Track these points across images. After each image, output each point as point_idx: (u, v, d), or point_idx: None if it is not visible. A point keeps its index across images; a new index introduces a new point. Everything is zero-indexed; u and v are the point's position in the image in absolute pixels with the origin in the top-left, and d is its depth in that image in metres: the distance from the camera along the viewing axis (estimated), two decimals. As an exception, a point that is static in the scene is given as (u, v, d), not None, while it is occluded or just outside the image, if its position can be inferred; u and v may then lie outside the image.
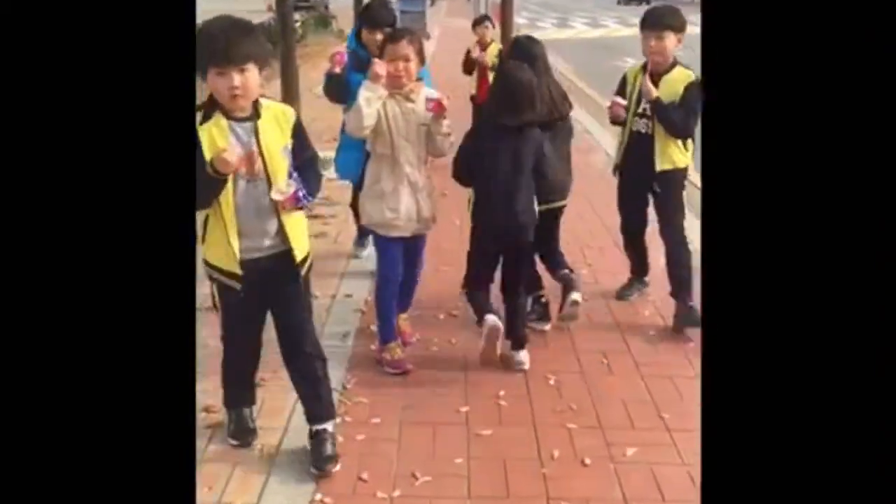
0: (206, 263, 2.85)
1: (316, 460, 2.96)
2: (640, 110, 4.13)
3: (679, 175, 4.14)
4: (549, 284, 4.23)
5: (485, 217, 3.66)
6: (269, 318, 3.05)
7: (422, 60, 3.54)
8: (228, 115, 2.68)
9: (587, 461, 3.03)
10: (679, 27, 4.01)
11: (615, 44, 18.88)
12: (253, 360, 3.15)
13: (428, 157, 3.66)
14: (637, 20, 4.44)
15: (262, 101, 2.74)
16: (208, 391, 3.43)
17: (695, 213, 4.57)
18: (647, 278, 4.61)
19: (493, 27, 7.91)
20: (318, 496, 2.82)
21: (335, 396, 3.21)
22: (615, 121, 4.27)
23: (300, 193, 2.73)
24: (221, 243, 2.76)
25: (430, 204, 3.66)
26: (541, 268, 4.20)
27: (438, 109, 3.43)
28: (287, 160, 2.78)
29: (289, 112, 2.83)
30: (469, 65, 7.42)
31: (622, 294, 4.56)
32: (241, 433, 3.13)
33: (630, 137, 4.21)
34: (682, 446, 3.11)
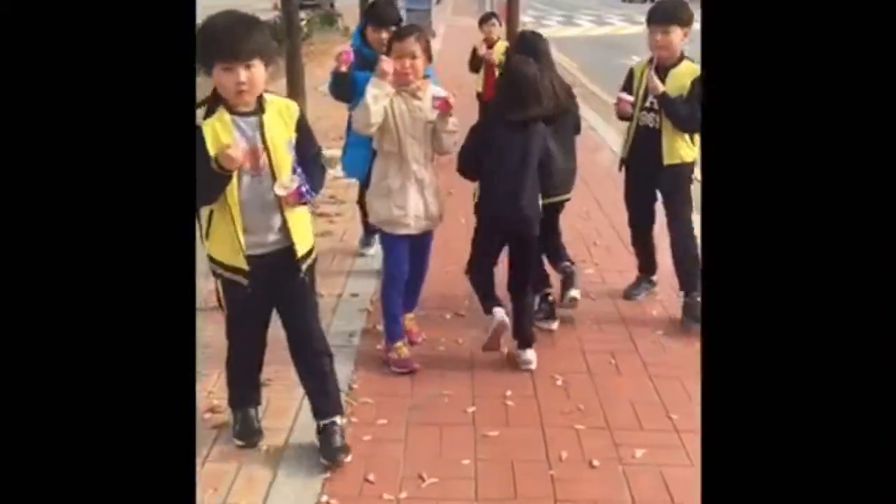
0: (211, 260, 2.84)
1: (326, 453, 2.95)
2: (647, 105, 4.13)
3: (686, 169, 4.13)
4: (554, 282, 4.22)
5: (490, 211, 3.65)
6: (274, 317, 3.04)
7: (429, 58, 3.54)
8: (232, 110, 2.67)
9: (595, 463, 3.01)
10: (685, 21, 4.01)
11: (621, 41, 18.82)
12: (258, 358, 3.13)
13: (434, 154, 3.65)
14: (643, 18, 4.42)
15: (266, 95, 2.73)
16: (213, 392, 3.42)
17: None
18: (654, 277, 4.58)
19: (500, 25, 7.88)
20: (325, 498, 2.80)
21: (341, 397, 3.19)
22: (622, 117, 4.28)
23: (303, 188, 2.72)
24: (227, 239, 2.75)
25: (438, 201, 3.65)
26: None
27: (445, 107, 3.42)
28: (291, 155, 2.77)
29: (292, 106, 2.82)
30: (475, 63, 7.40)
31: (630, 293, 4.53)
32: (247, 434, 3.11)
33: (637, 132, 4.21)
34: (690, 448, 3.08)
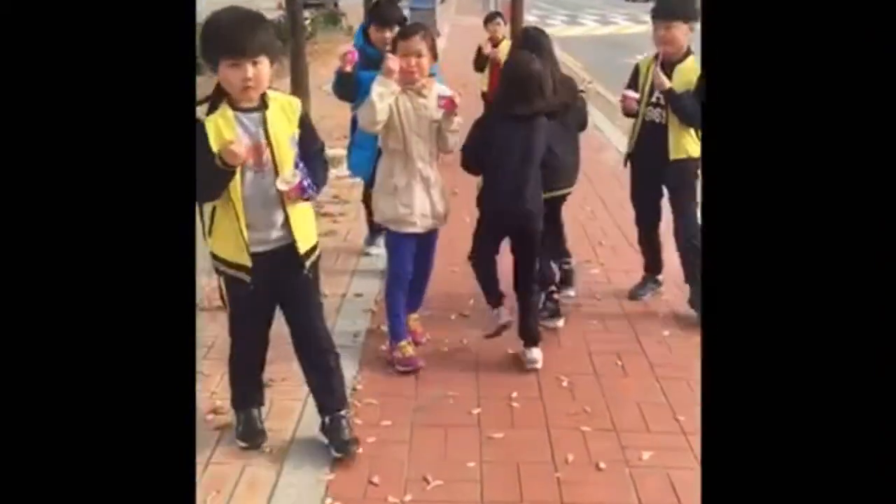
0: (214, 257, 2.82)
1: (338, 445, 2.96)
2: (653, 100, 4.12)
3: (692, 164, 4.11)
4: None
5: (493, 205, 3.65)
6: (277, 316, 3.02)
7: (434, 56, 3.53)
8: (235, 107, 2.66)
9: (602, 465, 2.98)
10: (689, 17, 4.00)
11: (625, 41, 18.77)
12: (261, 356, 3.10)
13: (438, 153, 3.64)
14: (647, 17, 4.43)
15: (269, 92, 2.73)
16: (217, 392, 3.40)
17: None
18: (660, 277, 4.55)
19: (505, 24, 7.85)
20: (329, 500, 2.77)
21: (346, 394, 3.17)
22: (628, 113, 4.28)
23: (305, 183, 2.70)
24: (230, 236, 2.73)
25: (444, 200, 3.64)
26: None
27: (450, 106, 3.42)
28: (294, 151, 2.77)
29: (295, 103, 2.82)
30: (480, 61, 7.37)
31: (635, 293, 4.50)
32: (250, 435, 3.08)
33: (643, 127, 4.20)
34: (698, 450, 3.05)
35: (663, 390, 3.52)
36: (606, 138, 8.44)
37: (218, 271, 2.86)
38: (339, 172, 6.31)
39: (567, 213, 4.49)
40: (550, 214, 3.95)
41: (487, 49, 7.22)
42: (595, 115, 9.36)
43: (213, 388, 3.45)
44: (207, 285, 4.10)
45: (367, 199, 4.63)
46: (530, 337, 3.73)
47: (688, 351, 3.86)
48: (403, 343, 3.69)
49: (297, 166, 2.74)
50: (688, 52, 4.06)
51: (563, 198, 4.16)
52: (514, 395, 3.45)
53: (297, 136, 2.79)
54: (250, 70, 2.56)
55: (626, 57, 13.24)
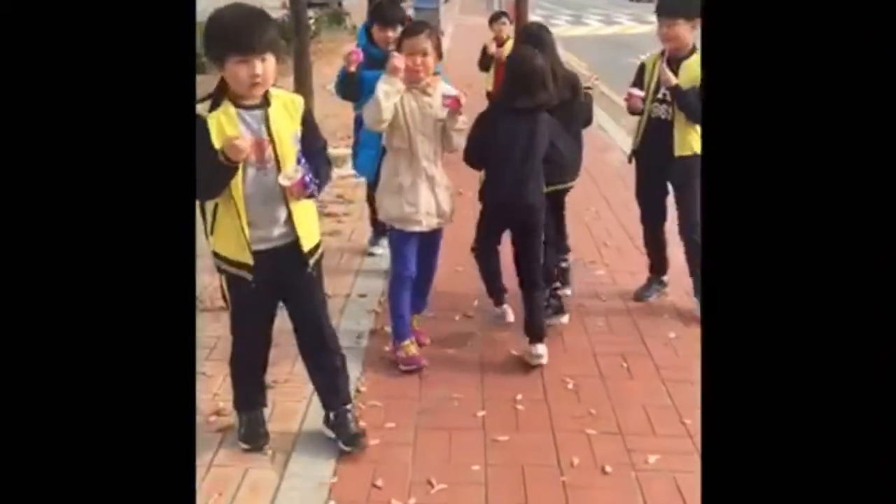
0: (216, 255, 2.80)
1: (346, 440, 2.98)
2: (659, 96, 4.11)
3: (698, 161, 4.08)
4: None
5: (495, 199, 3.66)
6: (281, 316, 2.99)
7: (439, 55, 3.52)
8: (237, 104, 2.65)
9: (608, 469, 2.95)
10: (692, 14, 3.97)
11: (629, 41, 18.73)
12: (263, 356, 3.08)
13: (443, 152, 3.62)
14: (651, 17, 4.42)
15: (272, 90, 2.71)
16: (219, 394, 3.38)
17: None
18: (665, 278, 4.52)
19: (510, 23, 7.83)
20: (332, 503, 2.75)
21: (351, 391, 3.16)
22: (633, 112, 4.27)
23: (307, 178, 2.68)
24: (232, 234, 2.72)
25: (449, 198, 3.62)
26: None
27: (456, 105, 3.41)
28: (297, 148, 2.75)
29: (297, 100, 2.81)
30: (485, 61, 7.35)
31: (641, 295, 4.48)
32: (253, 437, 3.06)
33: (649, 123, 4.19)
34: (705, 454, 3.02)
35: (669, 393, 3.49)
36: (611, 138, 8.41)
37: (220, 270, 2.84)
38: (342, 172, 6.30)
39: (571, 213, 4.47)
40: (552, 208, 3.95)
41: (492, 49, 7.20)
42: (599, 115, 9.33)
43: (215, 389, 3.42)
44: (210, 285, 4.08)
45: (371, 199, 4.62)
46: (536, 333, 3.70)
47: (693, 353, 3.83)
48: (407, 342, 3.67)
49: (299, 162, 2.72)
50: (693, 49, 4.06)
51: (565, 192, 4.17)
52: (519, 397, 3.42)
53: (299, 134, 2.77)
54: (259, 66, 2.56)
55: (631, 57, 13.20)
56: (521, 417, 3.29)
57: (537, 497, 2.79)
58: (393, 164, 3.55)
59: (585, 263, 4.93)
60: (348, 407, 3.05)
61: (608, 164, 7.07)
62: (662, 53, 4.11)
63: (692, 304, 4.28)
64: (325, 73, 9.94)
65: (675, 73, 4.00)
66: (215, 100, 2.64)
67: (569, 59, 12.75)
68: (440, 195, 3.57)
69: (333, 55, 13.16)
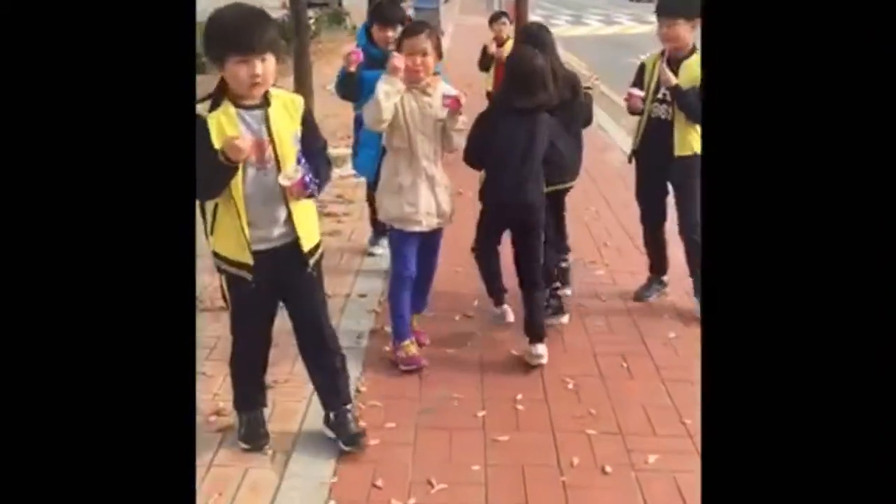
0: (216, 255, 2.80)
1: (347, 440, 2.98)
2: (659, 96, 4.11)
3: (698, 161, 4.09)
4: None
5: (495, 198, 3.66)
6: (281, 316, 2.99)
7: (439, 55, 3.52)
8: (237, 104, 2.65)
9: (608, 469, 2.95)
10: (692, 14, 3.97)
11: (629, 41, 18.73)
12: (263, 356, 3.08)
13: (442, 152, 3.62)
14: (651, 17, 4.42)
15: (272, 90, 2.71)
16: (219, 394, 3.37)
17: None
18: (665, 278, 4.52)
19: (510, 23, 7.83)
20: (332, 503, 2.75)
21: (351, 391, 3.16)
22: (633, 112, 4.27)
23: (307, 178, 2.68)
24: (232, 234, 2.72)
25: (448, 198, 3.62)
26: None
27: (456, 105, 3.41)
28: (297, 148, 2.75)
29: (297, 100, 2.81)
30: (485, 61, 7.35)
31: (641, 295, 4.48)
32: (253, 437, 3.06)
33: (649, 123, 4.19)
34: (705, 454, 3.02)
35: (669, 393, 3.49)
36: (611, 138, 8.41)
37: (220, 270, 2.84)
38: (342, 172, 6.30)
39: (571, 213, 4.47)
40: (552, 208, 3.95)
41: (492, 49, 7.20)
42: (599, 116, 9.33)
43: (215, 389, 3.42)
44: (210, 285, 4.08)
45: (371, 199, 4.62)
46: (536, 333, 3.70)
47: (693, 353, 3.83)
48: (407, 342, 3.67)
49: (299, 162, 2.72)
50: (693, 49, 4.06)
51: (565, 192, 4.17)
52: (519, 397, 3.42)
53: (299, 134, 2.77)
54: (259, 66, 2.56)
55: (631, 57, 13.20)
56: (521, 417, 3.29)
57: (537, 497, 2.79)
58: (393, 164, 3.55)
59: (585, 263, 4.92)
60: (348, 407, 3.05)
61: (608, 164, 7.08)
62: (662, 53, 4.11)
63: (692, 304, 4.28)
64: (325, 73, 9.94)
65: (675, 73, 4.00)
66: (215, 100, 2.64)
67: (569, 59, 12.74)
68: (440, 195, 3.57)
69: (333, 55, 13.16)
